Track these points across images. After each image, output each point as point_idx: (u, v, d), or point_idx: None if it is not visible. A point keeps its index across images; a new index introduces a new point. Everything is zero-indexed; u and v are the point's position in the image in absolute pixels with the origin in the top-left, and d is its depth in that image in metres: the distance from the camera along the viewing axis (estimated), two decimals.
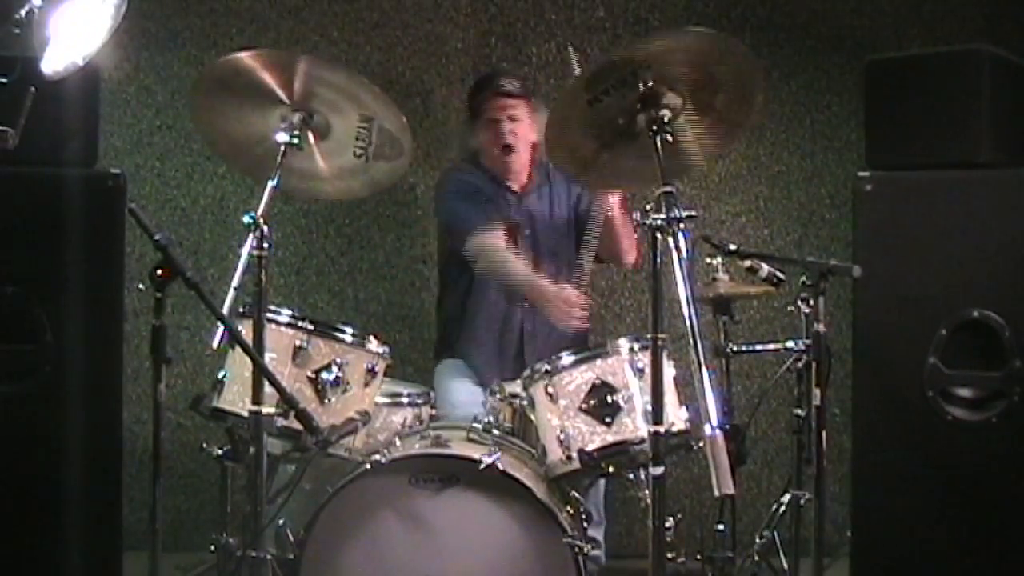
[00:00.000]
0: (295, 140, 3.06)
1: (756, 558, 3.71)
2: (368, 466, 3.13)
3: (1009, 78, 3.39)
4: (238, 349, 2.98)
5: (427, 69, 4.69)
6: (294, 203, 4.64)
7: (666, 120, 2.74)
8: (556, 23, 4.70)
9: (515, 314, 3.98)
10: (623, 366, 3.23)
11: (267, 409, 2.86)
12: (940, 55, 3.49)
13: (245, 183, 4.61)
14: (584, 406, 3.21)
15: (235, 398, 3.12)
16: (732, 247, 3.58)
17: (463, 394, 3.89)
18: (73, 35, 2.62)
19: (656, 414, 2.69)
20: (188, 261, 4.15)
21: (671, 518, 3.03)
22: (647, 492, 2.99)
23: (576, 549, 3.07)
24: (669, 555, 3.02)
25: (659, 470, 2.66)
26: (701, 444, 2.71)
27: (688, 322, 2.49)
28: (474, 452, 3.16)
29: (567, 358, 3.27)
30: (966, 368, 3.25)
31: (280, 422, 2.99)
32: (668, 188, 2.62)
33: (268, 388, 2.82)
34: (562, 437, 3.21)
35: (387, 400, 3.44)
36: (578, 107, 2.80)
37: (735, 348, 3.70)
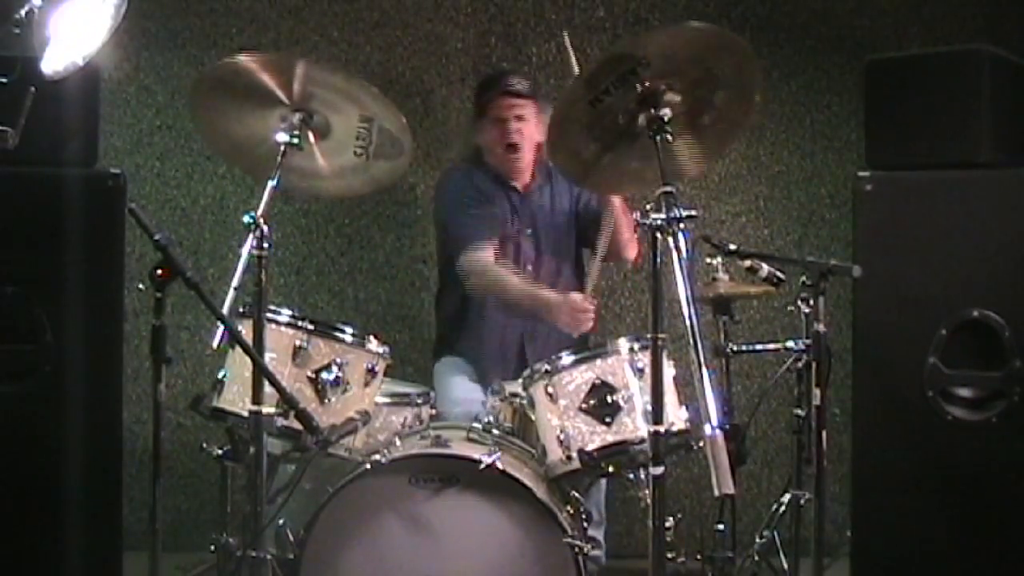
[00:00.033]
0: (295, 140, 3.06)
1: (756, 558, 3.71)
2: (368, 466, 3.13)
3: (1009, 78, 3.40)
4: (238, 349, 2.98)
5: (427, 69, 4.69)
6: (294, 203, 4.64)
7: (666, 120, 2.74)
8: (556, 23, 4.70)
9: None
10: (623, 366, 3.23)
11: (267, 409, 2.86)
12: (940, 55, 3.50)
13: (245, 183, 4.61)
14: (584, 406, 3.21)
15: (235, 398, 3.12)
16: (732, 247, 3.58)
17: (463, 391, 3.89)
18: (73, 35, 2.62)
19: (656, 414, 2.69)
20: (188, 261, 4.14)
21: (671, 518, 3.03)
22: (647, 492, 2.98)
23: (576, 549, 3.07)
24: (669, 555, 3.03)
25: (659, 470, 2.66)
26: (701, 444, 2.72)
27: (688, 322, 2.49)
28: (474, 452, 3.16)
29: (567, 358, 3.27)
30: (966, 368, 3.25)
31: (280, 422, 2.99)
32: (668, 188, 2.62)
33: (268, 388, 2.82)
34: (562, 437, 3.21)
35: (387, 400, 3.44)
36: (579, 107, 2.80)
37: (735, 348, 3.69)
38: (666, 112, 2.74)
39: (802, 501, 3.62)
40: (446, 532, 3.11)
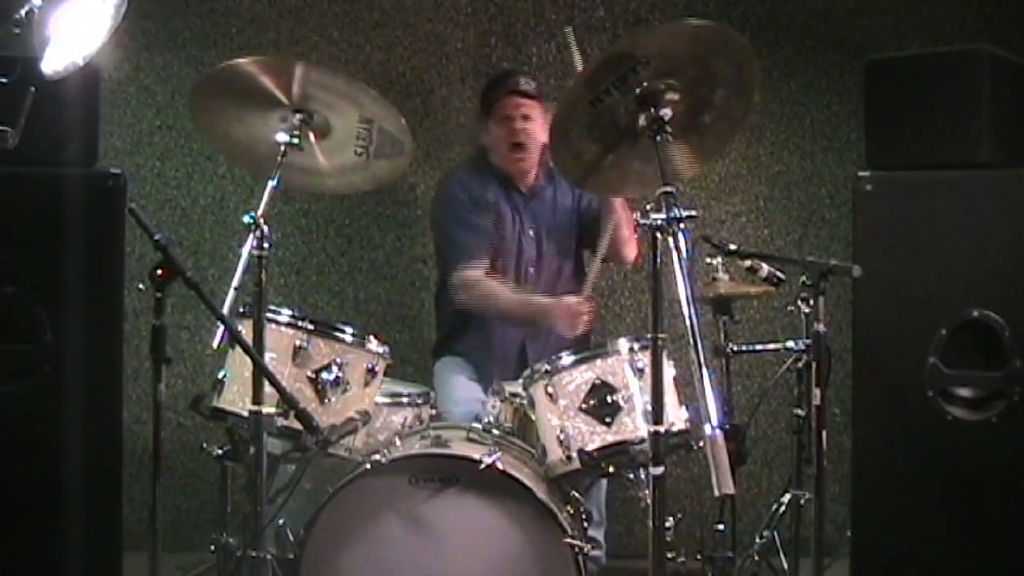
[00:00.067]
0: (295, 140, 3.07)
1: (756, 558, 3.71)
2: (368, 466, 3.13)
3: (1009, 78, 3.39)
4: (238, 349, 2.98)
5: (427, 69, 4.69)
6: (294, 203, 4.65)
7: (666, 120, 2.74)
8: (556, 23, 4.70)
9: None
10: (623, 366, 3.23)
11: (267, 409, 2.87)
12: (940, 55, 3.49)
13: (245, 183, 4.61)
14: (584, 406, 3.21)
15: (235, 398, 3.12)
16: (732, 247, 3.58)
17: (464, 391, 3.89)
18: (73, 35, 2.62)
19: (656, 414, 2.69)
20: (188, 261, 4.16)
21: (671, 518, 3.03)
22: (647, 492, 2.98)
23: (576, 549, 3.07)
24: (669, 555, 3.03)
25: (659, 470, 2.66)
26: (701, 444, 2.72)
27: (688, 322, 2.48)
28: (474, 452, 3.16)
29: (567, 358, 3.27)
30: (966, 368, 3.25)
31: (280, 422, 2.99)
32: (668, 188, 2.62)
33: (268, 388, 2.82)
34: (562, 437, 3.21)
35: (387, 400, 3.44)
36: (580, 108, 2.80)
37: (735, 348, 3.70)
38: (666, 112, 2.74)
39: (802, 501, 3.62)
40: (446, 532, 3.11)
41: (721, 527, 3.64)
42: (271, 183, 2.98)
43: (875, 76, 3.48)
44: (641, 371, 3.18)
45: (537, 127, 3.96)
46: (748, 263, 3.51)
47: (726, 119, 2.89)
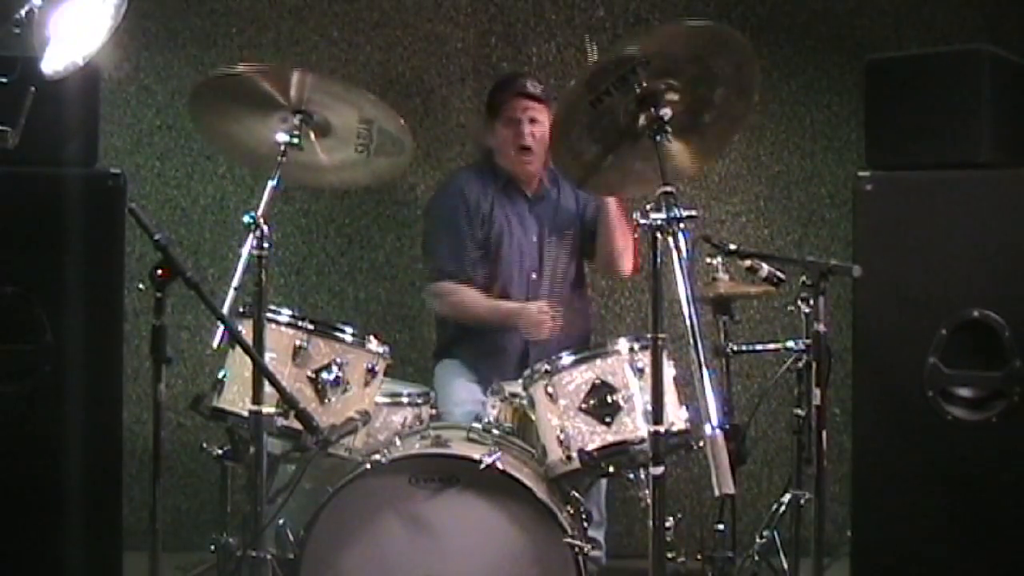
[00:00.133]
0: (295, 140, 3.07)
1: (756, 558, 3.71)
2: (368, 466, 3.13)
3: (1009, 78, 3.40)
4: (238, 349, 2.98)
5: (427, 69, 4.69)
6: (294, 203, 4.64)
7: (666, 119, 2.74)
8: (556, 23, 4.70)
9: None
10: (623, 366, 3.23)
11: (267, 409, 2.87)
12: (940, 55, 3.49)
13: (245, 183, 4.61)
14: (584, 406, 3.21)
15: (235, 398, 3.12)
16: (732, 247, 3.58)
17: (465, 393, 3.89)
18: (73, 35, 2.62)
19: (656, 414, 2.69)
20: (188, 261, 4.18)
21: (671, 518, 3.03)
22: (647, 492, 2.99)
23: (576, 549, 3.07)
24: (669, 555, 3.03)
25: (659, 470, 2.66)
26: (701, 444, 2.72)
27: (688, 322, 2.48)
28: (474, 452, 3.16)
29: (567, 358, 3.27)
30: (966, 368, 3.25)
31: (280, 422, 2.99)
32: (668, 188, 2.62)
33: (268, 388, 2.82)
34: (562, 437, 3.21)
35: (387, 400, 3.44)
36: (580, 109, 2.80)
37: (735, 348, 3.69)
38: (666, 112, 2.74)
39: (802, 501, 3.62)
40: (446, 532, 3.11)
41: (721, 527, 3.64)
42: (271, 183, 2.98)
43: (875, 76, 3.48)
44: (641, 371, 3.18)
45: (543, 130, 3.95)
46: (748, 263, 3.51)
47: (726, 118, 2.89)
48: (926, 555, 3.27)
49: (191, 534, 4.20)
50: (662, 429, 2.68)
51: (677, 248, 2.56)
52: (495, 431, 3.38)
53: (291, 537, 3.21)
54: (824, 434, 3.30)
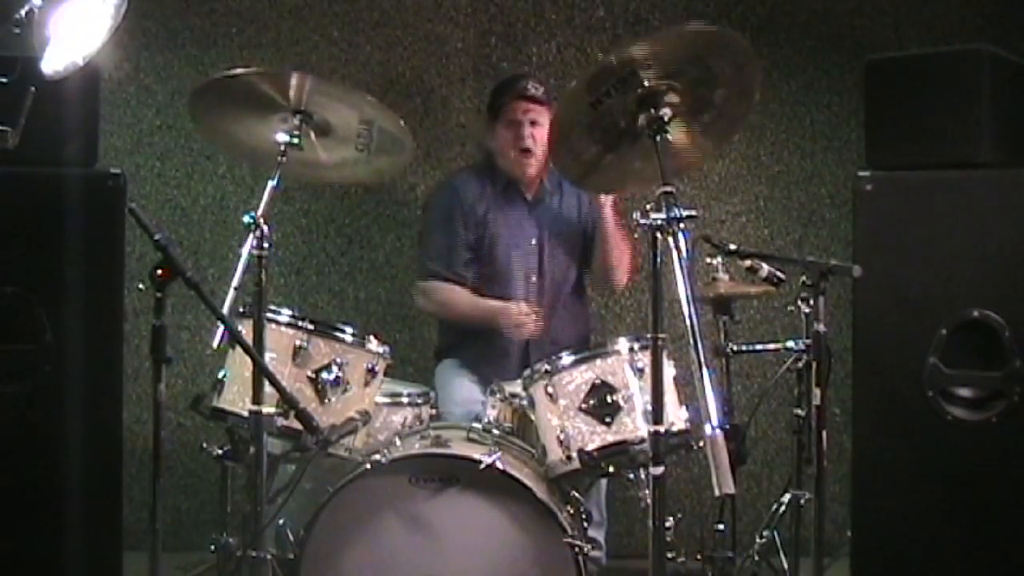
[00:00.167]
0: (295, 140, 3.07)
1: (756, 558, 3.71)
2: (368, 466, 3.13)
3: (1009, 78, 3.39)
4: (238, 349, 2.99)
5: (427, 69, 4.69)
6: (294, 203, 4.65)
7: (666, 119, 2.74)
8: (556, 23, 4.70)
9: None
10: (623, 366, 3.23)
11: (267, 409, 2.87)
12: (940, 55, 3.49)
13: (245, 183, 4.62)
14: (584, 406, 3.21)
15: (235, 398, 3.12)
16: (732, 247, 3.58)
17: (466, 393, 3.89)
18: (73, 35, 2.62)
19: (656, 414, 2.69)
20: (188, 261, 4.16)
21: (671, 518, 3.03)
22: (647, 492, 2.99)
23: (576, 549, 3.07)
24: (669, 555, 3.03)
25: (659, 470, 2.66)
26: (701, 444, 2.72)
27: (688, 322, 2.48)
28: (474, 452, 3.16)
29: (567, 358, 3.27)
30: (966, 368, 3.25)
31: (280, 422, 2.99)
32: (668, 188, 2.62)
33: (268, 388, 2.82)
34: (562, 437, 3.21)
35: (387, 400, 3.44)
36: (580, 110, 2.80)
37: (735, 348, 3.70)
38: (666, 112, 2.74)
39: (802, 501, 3.62)
40: (446, 532, 3.12)
41: (721, 527, 3.64)
42: (271, 183, 2.99)
43: (875, 76, 3.47)
44: (641, 371, 3.18)
45: (544, 132, 3.95)
46: (748, 263, 3.51)
47: (726, 118, 2.89)
48: (926, 555, 3.27)
49: (191, 534, 4.20)
50: (662, 429, 2.68)
51: (677, 248, 2.56)
52: (495, 431, 3.38)
53: (291, 537, 3.21)
54: (824, 434, 3.30)
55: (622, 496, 4.11)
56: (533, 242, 4.05)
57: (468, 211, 4.02)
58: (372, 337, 3.31)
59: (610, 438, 3.19)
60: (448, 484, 3.13)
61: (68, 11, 2.60)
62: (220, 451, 3.14)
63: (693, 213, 2.59)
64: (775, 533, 3.71)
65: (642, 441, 3.10)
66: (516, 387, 3.45)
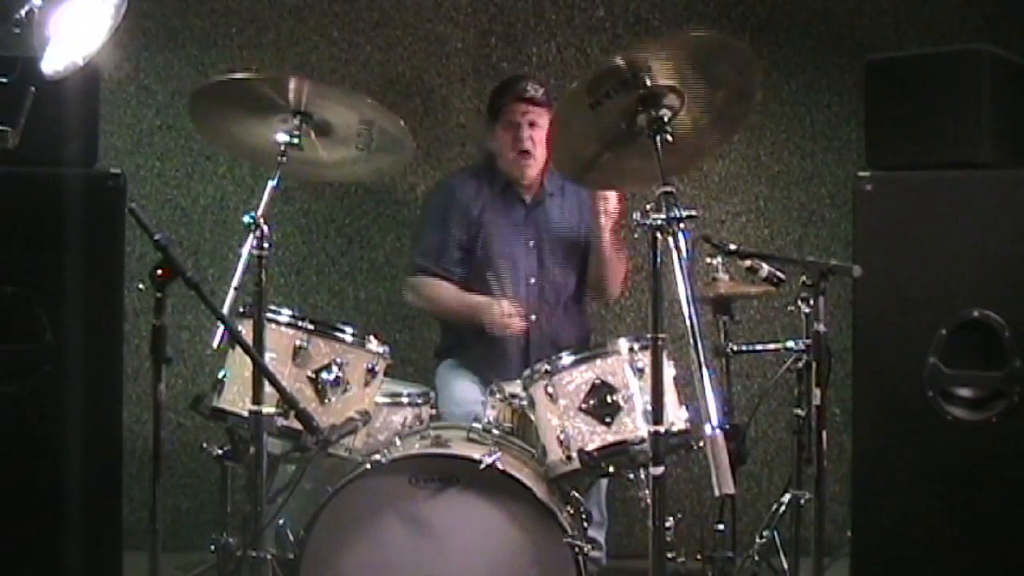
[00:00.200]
0: (295, 140, 3.08)
1: (756, 558, 3.71)
2: (368, 466, 3.13)
3: (1009, 78, 3.39)
4: (238, 349, 2.99)
5: (427, 69, 4.69)
6: (294, 203, 4.65)
7: (666, 120, 2.74)
8: (556, 23, 4.70)
9: (524, 320, 3.98)
10: (623, 366, 3.23)
11: (267, 409, 2.87)
12: (940, 55, 3.49)
13: (245, 183, 4.62)
14: (584, 406, 3.21)
15: (235, 398, 3.12)
16: (732, 247, 3.58)
17: (466, 392, 3.90)
18: (73, 35, 2.62)
19: (656, 414, 2.69)
20: (188, 261, 4.19)
21: (671, 518, 3.03)
22: (647, 492, 2.99)
23: (576, 549, 3.07)
24: (669, 555, 3.03)
25: (659, 470, 2.66)
26: (701, 444, 2.72)
27: (688, 322, 2.49)
28: (474, 452, 3.16)
29: (567, 358, 3.27)
30: (966, 368, 3.24)
31: (280, 422, 2.99)
32: (668, 188, 2.62)
33: (268, 388, 2.82)
34: (562, 437, 3.21)
35: (387, 400, 3.44)
36: (580, 111, 2.80)
37: (735, 348, 3.70)
38: (666, 113, 2.74)
39: (802, 501, 3.62)
40: (446, 532, 3.12)
41: (721, 527, 3.64)
42: (271, 183, 2.99)
43: (875, 76, 3.47)
44: (641, 371, 3.18)
45: (543, 134, 3.95)
46: (748, 263, 3.51)
47: (726, 119, 2.90)
48: (926, 555, 3.27)
49: (191, 534, 4.20)
50: (662, 429, 2.68)
51: (677, 248, 2.56)
52: (495, 431, 3.38)
53: (291, 537, 3.21)
54: (824, 434, 3.30)
55: (622, 496, 4.11)
56: (531, 244, 4.04)
57: (463, 210, 4.04)
58: (372, 337, 3.31)
59: (610, 438, 3.18)
60: (448, 484, 3.13)
61: (68, 11, 2.60)
62: (220, 451, 3.14)
63: (693, 213, 2.59)
64: (775, 533, 3.71)
65: (642, 441, 3.10)
66: (516, 387, 3.45)
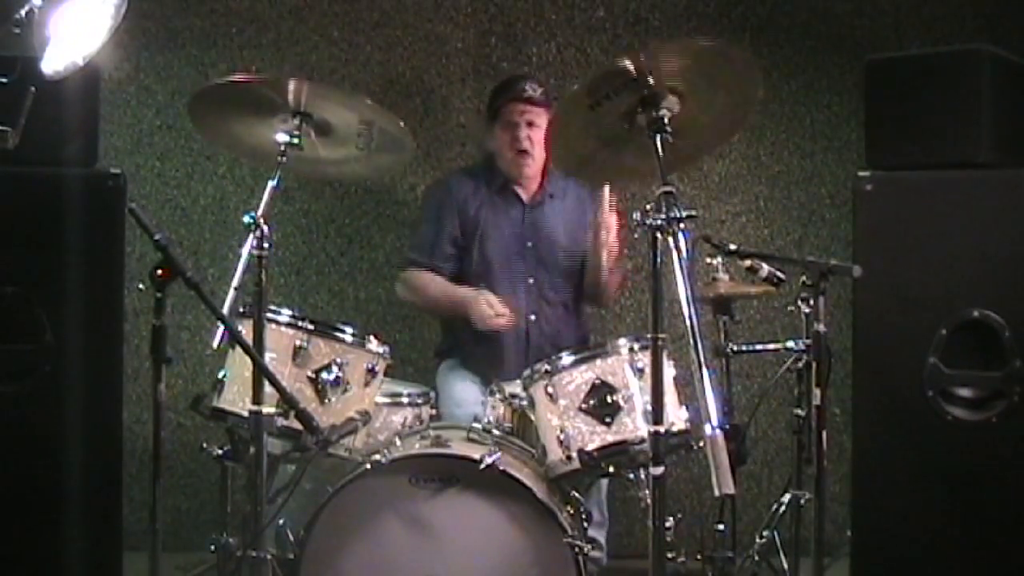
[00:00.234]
0: (295, 140, 3.08)
1: (756, 558, 3.71)
2: (368, 466, 3.13)
3: (1009, 78, 3.39)
4: (238, 349, 2.98)
5: (427, 69, 4.69)
6: (294, 203, 4.65)
7: (666, 120, 2.74)
8: (556, 23, 4.70)
9: (522, 320, 3.99)
10: (623, 366, 3.22)
11: (267, 409, 2.87)
12: (940, 55, 3.49)
13: (245, 183, 4.62)
14: (584, 406, 3.21)
15: (235, 398, 3.12)
16: (732, 247, 3.58)
17: (466, 393, 3.89)
18: (73, 35, 2.62)
19: (656, 414, 2.69)
20: (188, 261, 4.18)
21: (671, 518, 3.03)
22: (647, 492, 2.99)
23: (576, 549, 3.07)
24: (669, 555, 3.03)
25: (659, 470, 2.66)
26: (701, 444, 2.72)
27: (688, 322, 2.48)
28: (474, 452, 3.16)
29: (567, 358, 3.27)
30: (966, 368, 3.24)
31: (280, 422, 2.99)
32: (668, 188, 2.62)
33: (268, 388, 2.82)
34: (562, 437, 3.21)
35: (387, 400, 3.44)
36: (579, 111, 2.80)
37: (735, 348, 3.70)
38: (665, 113, 2.74)
39: (802, 501, 3.62)
40: (446, 532, 3.11)
41: (721, 527, 3.64)
42: (271, 183, 2.99)
43: (875, 76, 3.47)
44: (641, 371, 3.18)
45: (542, 133, 3.95)
46: (748, 263, 3.51)
47: (726, 120, 2.90)
48: (926, 555, 3.27)
49: (191, 534, 4.20)
50: (662, 429, 2.68)
51: (677, 248, 2.56)
52: (495, 431, 3.38)
53: (291, 537, 3.21)
54: (824, 434, 3.30)
55: (622, 496, 4.11)
56: (529, 244, 4.04)
57: (459, 208, 4.05)
58: (372, 337, 3.31)
59: (610, 438, 3.18)
60: (448, 484, 3.13)
61: (68, 11, 2.60)
62: (220, 451, 3.14)
63: (693, 213, 2.59)
64: (775, 533, 3.71)
65: (642, 441, 3.10)
66: (516, 387, 3.45)
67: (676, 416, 3.22)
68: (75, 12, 2.61)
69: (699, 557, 3.60)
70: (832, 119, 4.71)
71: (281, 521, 3.21)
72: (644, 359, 3.16)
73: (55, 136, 3.20)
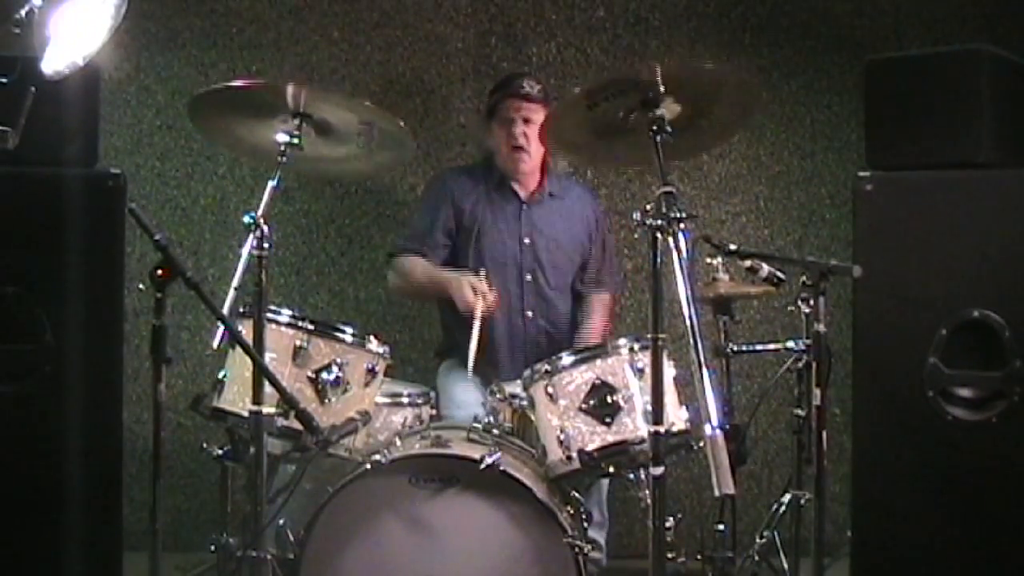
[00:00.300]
0: (295, 140, 3.08)
1: (756, 558, 3.71)
2: (368, 466, 3.13)
3: (1009, 78, 3.39)
4: (238, 349, 2.98)
5: (427, 69, 4.69)
6: (294, 203, 4.65)
7: (665, 120, 2.74)
8: (556, 23, 4.70)
9: (519, 316, 3.98)
10: (623, 366, 3.22)
11: (267, 409, 2.87)
12: (940, 55, 3.49)
13: (245, 183, 4.62)
14: (584, 406, 3.21)
15: (235, 398, 3.12)
16: (732, 247, 3.57)
17: (466, 393, 3.89)
18: (73, 35, 2.62)
19: (656, 414, 2.69)
20: (188, 261, 4.19)
21: (671, 518, 3.03)
22: (647, 492, 2.99)
23: (576, 549, 3.07)
24: (669, 555, 3.03)
25: (659, 470, 2.66)
26: (701, 444, 2.72)
27: (688, 322, 2.49)
28: (474, 452, 3.16)
29: (567, 358, 3.27)
30: (966, 368, 3.24)
31: (280, 422, 2.99)
32: (668, 188, 2.63)
33: (268, 388, 2.82)
34: (562, 437, 3.21)
35: (387, 400, 3.44)
36: (577, 112, 2.81)
37: (735, 348, 3.70)
38: (664, 113, 2.75)
39: (802, 501, 3.62)
40: (446, 532, 3.11)
41: (721, 527, 3.64)
42: (271, 183, 2.99)
43: (875, 76, 3.47)
44: (641, 371, 3.18)
45: (539, 131, 3.95)
46: (748, 263, 3.51)
47: (726, 122, 2.91)
48: (926, 555, 3.27)
49: (191, 534, 4.21)
50: (662, 429, 2.68)
51: (677, 248, 2.56)
52: (495, 431, 3.38)
53: (291, 537, 3.21)
54: (824, 434, 3.29)
55: (622, 496, 4.11)
56: (527, 241, 4.04)
57: (454, 201, 4.06)
58: (372, 337, 3.31)
59: (610, 438, 3.18)
60: (448, 484, 3.13)
61: (68, 11, 2.60)
62: (220, 451, 3.14)
63: (693, 213, 2.59)
64: (775, 533, 3.71)
65: (642, 441, 3.10)
66: (516, 387, 3.45)
67: (676, 416, 3.22)
68: (75, 12, 2.61)
69: (699, 557, 3.60)
70: (832, 119, 4.71)
71: (281, 521, 3.20)
72: (644, 359, 3.17)
73: (55, 136, 3.20)
